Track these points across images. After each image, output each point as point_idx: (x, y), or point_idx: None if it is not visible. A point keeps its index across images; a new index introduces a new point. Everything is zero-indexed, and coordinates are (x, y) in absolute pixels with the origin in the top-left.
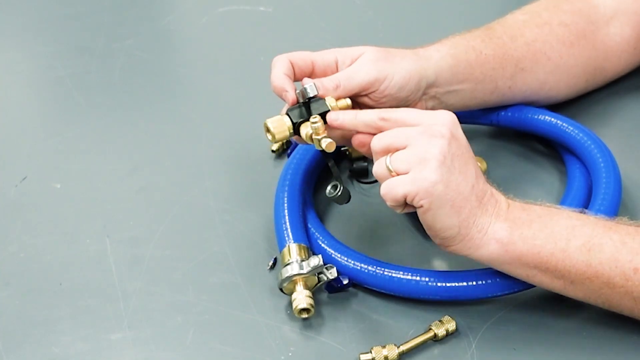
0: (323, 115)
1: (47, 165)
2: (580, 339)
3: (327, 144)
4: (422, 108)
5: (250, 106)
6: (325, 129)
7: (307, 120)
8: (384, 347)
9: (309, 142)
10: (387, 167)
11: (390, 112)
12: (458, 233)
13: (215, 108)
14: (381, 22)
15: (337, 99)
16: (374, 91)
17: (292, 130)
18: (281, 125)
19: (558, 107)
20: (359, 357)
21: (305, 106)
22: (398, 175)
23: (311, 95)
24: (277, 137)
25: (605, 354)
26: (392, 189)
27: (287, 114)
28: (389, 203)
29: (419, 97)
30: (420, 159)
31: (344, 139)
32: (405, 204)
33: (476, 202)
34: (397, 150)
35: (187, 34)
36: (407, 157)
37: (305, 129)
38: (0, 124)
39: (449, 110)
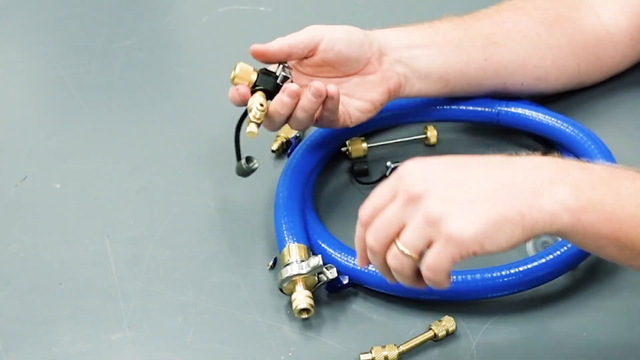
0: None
1: (47, 165)
2: (580, 339)
3: (250, 132)
4: (392, 75)
5: None
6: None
7: (268, 94)
8: (384, 347)
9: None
10: (404, 253)
11: (363, 209)
12: (518, 223)
13: (215, 108)
14: (381, 22)
15: (288, 56)
16: (319, 44)
17: (251, 85)
18: (246, 74)
19: (557, 104)
20: (359, 357)
21: (272, 82)
22: (418, 255)
23: (285, 76)
24: (236, 80)
25: (605, 355)
26: (437, 266)
27: (259, 73)
28: (443, 284)
29: (375, 55)
30: (431, 221)
31: (309, 119)
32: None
33: (502, 169)
34: (396, 235)
35: (187, 34)
36: (418, 231)
37: (258, 101)
38: (0, 124)
39: (430, 82)
